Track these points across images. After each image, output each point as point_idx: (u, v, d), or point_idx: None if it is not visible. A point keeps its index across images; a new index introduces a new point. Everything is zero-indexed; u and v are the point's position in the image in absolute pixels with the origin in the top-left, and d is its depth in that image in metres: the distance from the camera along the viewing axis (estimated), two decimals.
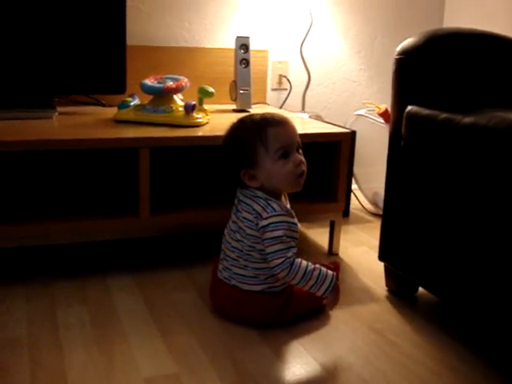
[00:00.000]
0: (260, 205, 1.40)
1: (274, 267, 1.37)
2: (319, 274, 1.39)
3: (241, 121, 1.47)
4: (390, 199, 1.59)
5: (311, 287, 1.39)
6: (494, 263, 1.23)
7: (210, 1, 2.26)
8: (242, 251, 1.43)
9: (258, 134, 1.40)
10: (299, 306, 1.46)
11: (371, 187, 2.35)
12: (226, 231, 1.50)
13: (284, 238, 1.37)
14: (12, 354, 1.28)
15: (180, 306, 1.53)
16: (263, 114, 1.47)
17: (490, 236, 1.24)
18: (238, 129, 1.46)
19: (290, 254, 1.37)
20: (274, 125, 1.41)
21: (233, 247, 1.45)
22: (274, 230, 1.37)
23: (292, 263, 1.36)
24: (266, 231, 1.38)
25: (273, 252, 1.37)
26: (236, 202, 1.48)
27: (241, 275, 1.43)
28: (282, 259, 1.36)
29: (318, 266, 1.41)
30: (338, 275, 1.47)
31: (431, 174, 1.41)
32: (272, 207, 1.39)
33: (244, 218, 1.42)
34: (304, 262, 1.39)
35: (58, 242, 1.64)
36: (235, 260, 1.44)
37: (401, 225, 1.53)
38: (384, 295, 1.64)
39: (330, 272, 1.41)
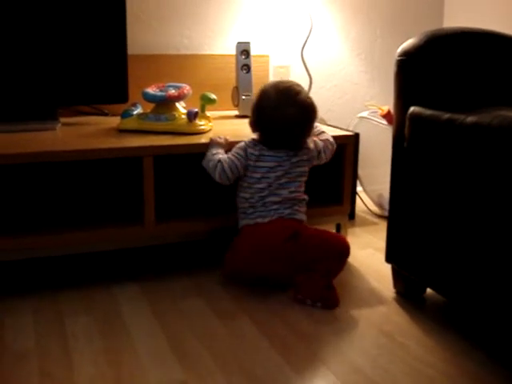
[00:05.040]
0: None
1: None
2: None
3: (304, 95, 1.69)
4: (395, 200, 1.58)
5: None
6: (502, 263, 1.23)
7: (209, 7, 2.27)
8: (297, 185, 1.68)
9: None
10: (309, 248, 1.58)
11: (376, 189, 2.34)
12: (256, 196, 1.65)
13: None
14: (21, 367, 1.28)
15: (187, 313, 1.53)
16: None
17: (496, 235, 1.24)
18: (312, 103, 1.70)
19: None
20: None
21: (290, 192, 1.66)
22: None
23: None
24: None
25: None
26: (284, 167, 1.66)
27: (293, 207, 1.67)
28: None
29: None
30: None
31: (436, 174, 1.40)
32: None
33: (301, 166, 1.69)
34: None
35: (64, 252, 1.65)
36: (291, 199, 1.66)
37: (407, 226, 1.53)
38: (392, 297, 1.64)
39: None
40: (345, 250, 1.62)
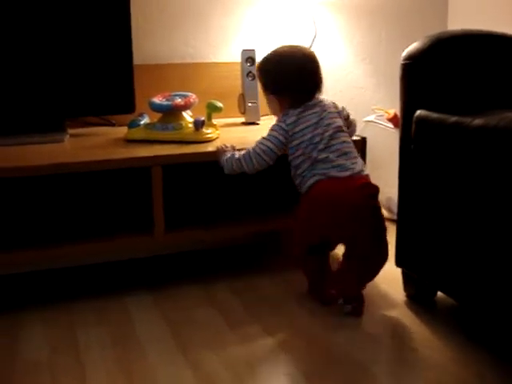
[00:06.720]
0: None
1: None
2: None
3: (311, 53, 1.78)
4: (403, 204, 1.58)
5: None
6: None
7: (213, 15, 2.28)
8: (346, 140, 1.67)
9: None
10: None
11: (384, 192, 2.32)
12: (312, 150, 1.61)
13: None
14: (34, 378, 1.29)
15: (199, 322, 1.53)
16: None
17: (505, 237, 1.23)
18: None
19: None
20: None
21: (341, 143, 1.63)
22: None
23: None
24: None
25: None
26: (318, 115, 1.66)
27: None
28: None
29: None
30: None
31: (443, 177, 1.40)
32: None
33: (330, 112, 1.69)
34: None
35: (75, 263, 1.66)
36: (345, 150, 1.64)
37: (416, 229, 1.53)
38: (402, 301, 1.64)
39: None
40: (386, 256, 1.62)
